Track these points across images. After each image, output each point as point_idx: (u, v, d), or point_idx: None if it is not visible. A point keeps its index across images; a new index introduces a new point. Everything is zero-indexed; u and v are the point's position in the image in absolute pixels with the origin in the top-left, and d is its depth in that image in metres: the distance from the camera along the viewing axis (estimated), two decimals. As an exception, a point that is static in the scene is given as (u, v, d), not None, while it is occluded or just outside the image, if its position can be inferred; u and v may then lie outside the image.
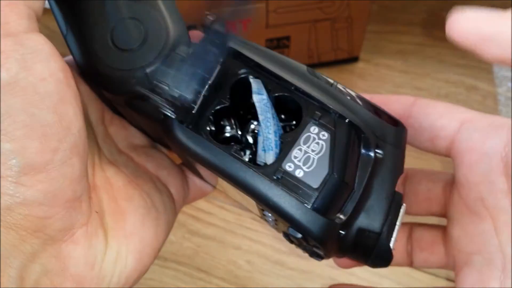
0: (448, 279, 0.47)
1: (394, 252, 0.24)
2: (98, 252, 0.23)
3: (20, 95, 0.19)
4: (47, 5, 0.24)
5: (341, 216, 0.23)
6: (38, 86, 0.19)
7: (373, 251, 0.24)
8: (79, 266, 0.22)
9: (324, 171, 0.23)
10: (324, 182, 0.22)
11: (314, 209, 0.22)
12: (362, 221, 0.24)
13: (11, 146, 0.19)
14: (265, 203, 0.23)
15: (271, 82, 0.25)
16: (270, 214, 0.24)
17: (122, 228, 0.25)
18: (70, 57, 0.26)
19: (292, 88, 0.24)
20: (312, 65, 0.61)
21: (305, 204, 0.22)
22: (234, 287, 0.47)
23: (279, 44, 0.57)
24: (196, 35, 0.26)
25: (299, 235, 0.23)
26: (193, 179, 0.32)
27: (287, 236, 0.25)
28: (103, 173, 0.26)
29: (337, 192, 0.23)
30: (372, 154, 0.24)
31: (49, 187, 0.20)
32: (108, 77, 0.24)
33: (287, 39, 0.57)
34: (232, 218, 0.51)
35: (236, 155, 0.23)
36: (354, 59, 0.62)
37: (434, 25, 0.66)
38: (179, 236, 0.50)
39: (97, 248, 0.23)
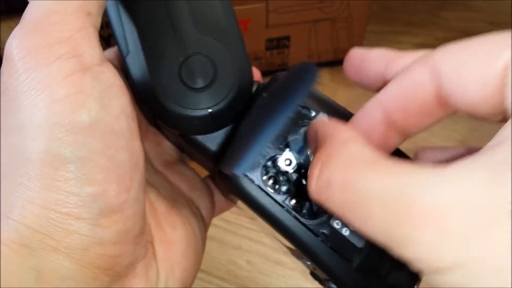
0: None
1: None
2: (152, 283, 0.23)
3: (100, 137, 0.18)
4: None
5: (380, 275, 0.24)
6: (114, 125, 0.19)
7: None
8: None
9: None
10: (369, 242, 0.23)
11: (357, 269, 0.23)
12: (395, 278, 0.24)
13: (92, 190, 0.19)
14: (311, 257, 0.24)
15: None
16: (309, 263, 0.25)
17: (170, 258, 0.24)
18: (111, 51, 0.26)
19: None
20: (312, 65, 0.61)
21: (349, 264, 0.23)
22: (234, 287, 0.47)
23: (279, 44, 0.57)
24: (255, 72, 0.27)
25: None
26: (219, 195, 0.32)
27: (315, 276, 0.26)
28: (146, 196, 0.25)
29: (380, 252, 0.23)
30: None
31: (123, 226, 0.20)
32: (171, 113, 0.24)
33: (287, 39, 0.57)
34: (232, 218, 0.51)
35: (288, 207, 0.24)
36: (354, 59, 0.62)
37: (434, 25, 0.66)
38: (179, 236, 0.50)
39: (152, 279, 0.23)
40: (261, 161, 0.24)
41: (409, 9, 0.67)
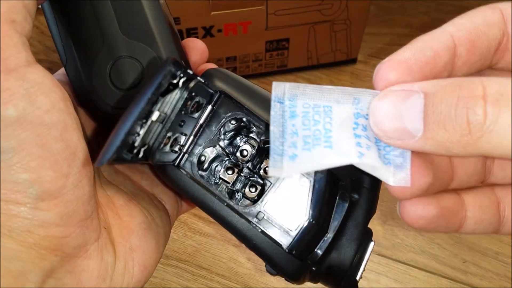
0: (444, 276, 0.48)
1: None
2: (109, 265, 0.24)
3: (30, 129, 0.20)
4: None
5: (314, 257, 0.25)
6: (44, 118, 0.20)
7: (341, 283, 0.26)
8: (92, 279, 0.23)
9: (302, 216, 0.25)
10: (301, 226, 0.24)
11: (289, 251, 0.24)
12: (333, 259, 0.26)
13: (28, 176, 0.20)
14: (245, 243, 0.25)
15: (261, 125, 0.26)
16: None
17: (128, 242, 0.26)
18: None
19: None
20: (311, 67, 0.62)
21: (282, 247, 0.24)
22: (235, 284, 0.48)
23: (278, 46, 0.58)
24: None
25: (274, 272, 0.25)
26: None
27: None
28: (104, 192, 0.27)
29: (312, 236, 0.25)
30: (347, 199, 0.26)
31: (64, 209, 0.21)
32: (104, 114, 0.26)
33: (286, 41, 0.58)
34: (232, 217, 0.51)
35: (221, 196, 0.25)
36: (352, 61, 0.63)
37: (432, 27, 0.66)
38: (180, 234, 0.51)
39: (107, 261, 0.24)
40: (202, 154, 0.25)
41: (407, 11, 0.68)
